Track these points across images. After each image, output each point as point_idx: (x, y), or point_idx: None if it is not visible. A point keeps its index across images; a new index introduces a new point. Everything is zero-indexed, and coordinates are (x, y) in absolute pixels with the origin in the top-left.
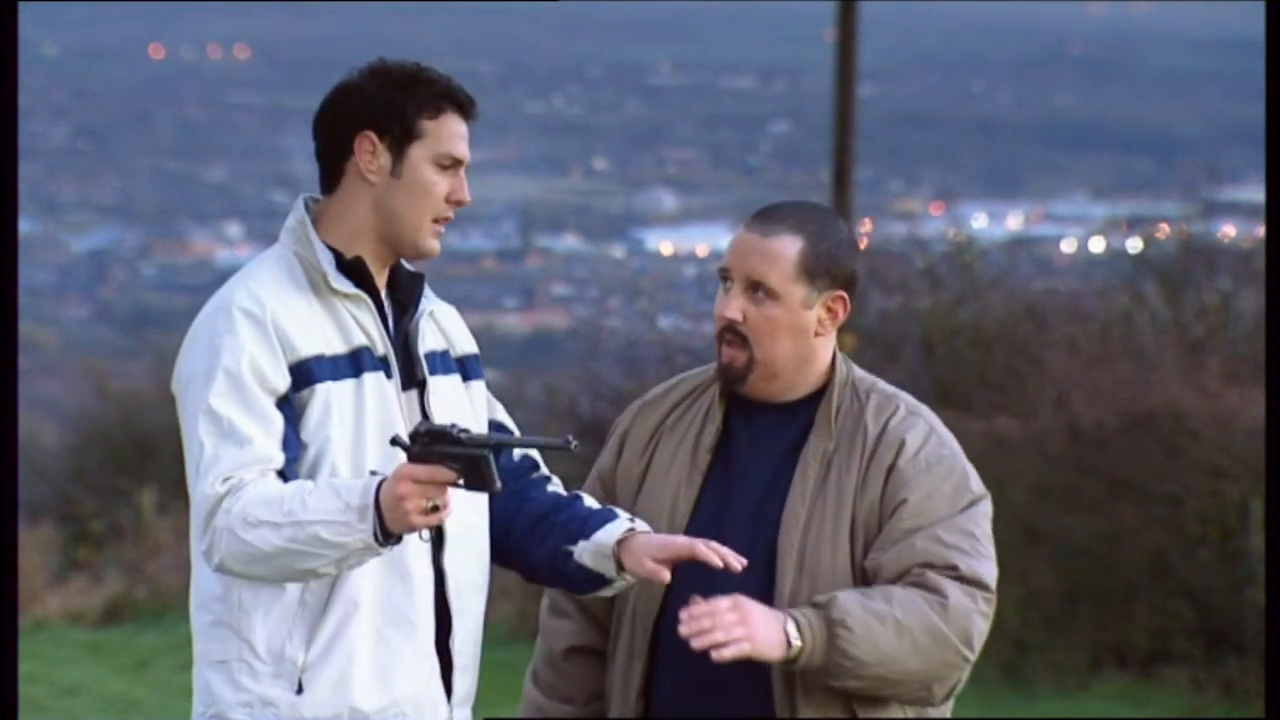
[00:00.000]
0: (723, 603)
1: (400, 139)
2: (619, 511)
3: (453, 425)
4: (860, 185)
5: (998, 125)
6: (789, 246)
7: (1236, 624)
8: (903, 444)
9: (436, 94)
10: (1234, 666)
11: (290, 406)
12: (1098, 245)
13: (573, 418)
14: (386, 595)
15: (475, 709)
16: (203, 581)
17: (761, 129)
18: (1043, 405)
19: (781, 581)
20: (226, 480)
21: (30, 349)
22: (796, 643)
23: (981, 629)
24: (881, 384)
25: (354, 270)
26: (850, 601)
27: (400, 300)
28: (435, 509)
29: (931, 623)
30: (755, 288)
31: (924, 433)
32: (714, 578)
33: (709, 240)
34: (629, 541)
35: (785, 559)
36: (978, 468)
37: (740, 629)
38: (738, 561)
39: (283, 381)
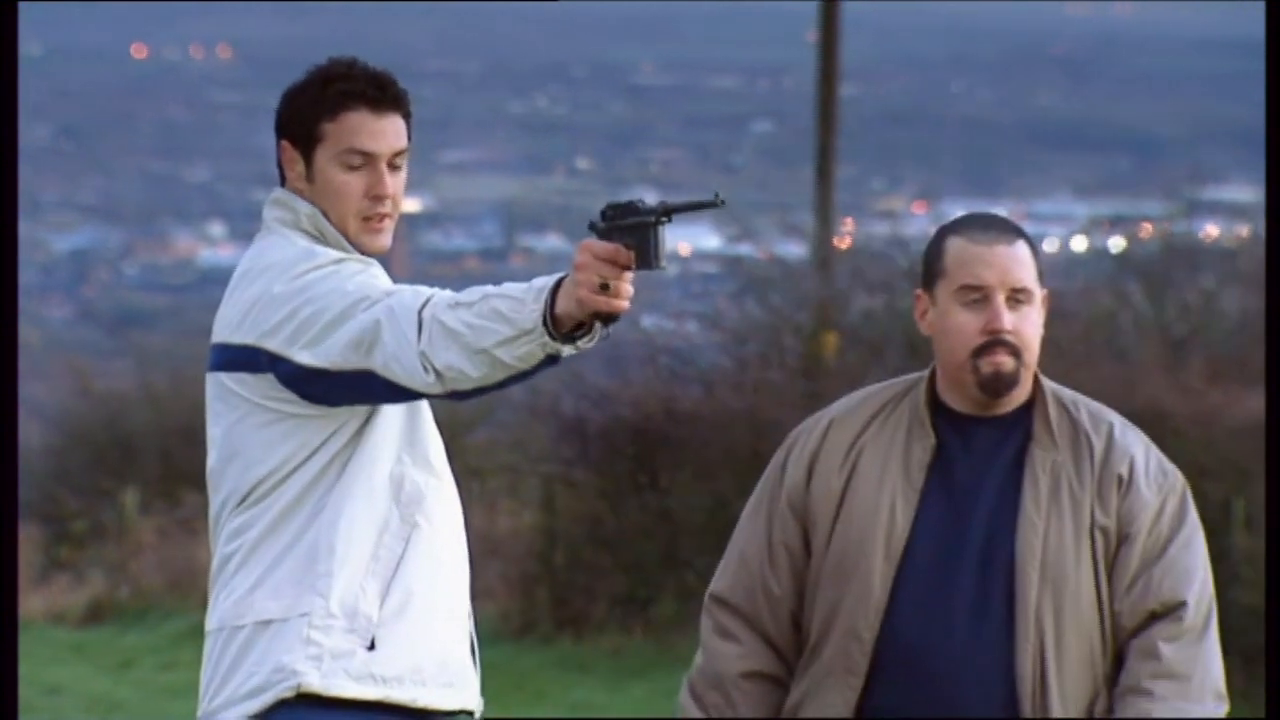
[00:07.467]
0: None
1: (307, 145)
2: None
3: (635, 199)
4: (842, 184)
5: (979, 124)
6: (1025, 250)
7: (1221, 624)
8: (1133, 459)
9: (336, 94)
10: None
11: None
12: (1080, 245)
13: (555, 417)
14: (459, 565)
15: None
16: (249, 541)
17: (744, 128)
18: None
19: (1025, 592)
20: (424, 292)
21: None
22: None
23: (1220, 662)
24: (1078, 394)
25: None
26: None
27: None
28: (605, 288)
29: None
30: (1018, 296)
31: (1146, 446)
32: (941, 595)
33: (691, 240)
34: None
35: (1027, 569)
36: None
37: None
38: None
39: None
